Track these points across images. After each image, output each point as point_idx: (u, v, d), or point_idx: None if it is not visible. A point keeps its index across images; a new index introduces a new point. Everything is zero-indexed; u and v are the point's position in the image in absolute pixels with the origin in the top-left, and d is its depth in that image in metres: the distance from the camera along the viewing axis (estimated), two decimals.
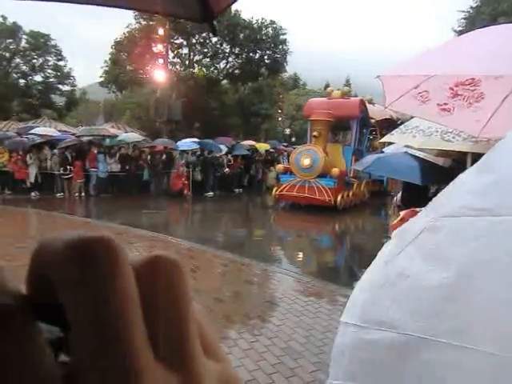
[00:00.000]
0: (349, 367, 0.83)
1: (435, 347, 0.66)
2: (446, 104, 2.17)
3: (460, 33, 25.49)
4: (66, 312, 0.14)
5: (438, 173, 3.34)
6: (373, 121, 15.57)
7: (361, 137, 14.65)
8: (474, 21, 24.25)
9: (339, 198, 11.86)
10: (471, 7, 25.71)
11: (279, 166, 14.20)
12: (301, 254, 7.96)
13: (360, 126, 13.98)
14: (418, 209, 1.76)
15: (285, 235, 9.56)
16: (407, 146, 3.73)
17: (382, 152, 17.53)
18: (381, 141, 4.46)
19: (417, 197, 3.07)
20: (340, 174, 12.09)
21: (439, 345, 0.66)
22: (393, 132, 4.22)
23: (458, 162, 3.52)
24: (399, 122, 16.14)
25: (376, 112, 16.13)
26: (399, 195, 3.31)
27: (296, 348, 3.55)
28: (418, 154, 3.67)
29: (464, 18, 26.24)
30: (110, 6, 1.08)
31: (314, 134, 12.47)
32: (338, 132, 15.79)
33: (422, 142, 3.34)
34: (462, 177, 0.77)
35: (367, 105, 19.00)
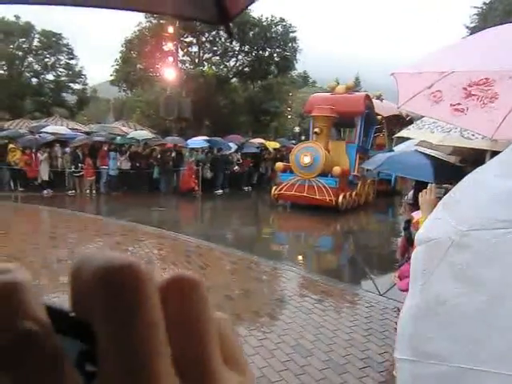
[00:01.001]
0: None
1: (478, 377, 0.64)
2: (459, 104, 2.12)
3: (472, 29, 25.16)
4: (97, 338, 0.14)
5: (451, 171, 3.31)
6: (379, 117, 14.96)
7: (366, 134, 14.05)
8: (486, 17, 23.91)
9: (341, 197, 11.29)
10: (484, 3, 25.35)
11: (278, 164, 13.30)
12: (309, 253, 7.94)
13: (365, 123, 13.28)
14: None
15: (293, 233, 9.54)
16: (424, 142, 3.64)
17: (391, 150, 17.40)
18: (397, 135, 4.31)
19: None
20: (342, 172, 11.49)
21: (481, 374, 0.63)
22: (409, 127, 4.09)
23: (466, 161, 3.46)
24: (408, 119, 15.98)
25: (384, 108, 15.78)
26: (410, 193, 3.27)
27: (306, 346, 3.55)
28: (428, 151, 3.62)
29: (476, 14, 25.89)
30: (126, 10, 1.08)
31: (315, 130, 11.90)
32: (342, 129, 15.11)
33: (441, 139, 3.22)
34: (480, 177, 0.73)
35: (375, 101, 18.61)
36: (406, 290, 2.07)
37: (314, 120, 12.20)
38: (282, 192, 11.89)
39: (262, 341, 3.60)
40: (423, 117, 3.67)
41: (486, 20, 23.77)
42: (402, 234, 2.82)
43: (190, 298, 0.16)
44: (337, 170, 11.27)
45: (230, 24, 0.98)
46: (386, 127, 16.45)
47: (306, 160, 11.52)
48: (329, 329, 3.93)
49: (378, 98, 16.50)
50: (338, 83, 14.92)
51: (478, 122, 2.22)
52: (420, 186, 2.73)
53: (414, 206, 2.69)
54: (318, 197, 11.19)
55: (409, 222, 2.64)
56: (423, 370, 0.74)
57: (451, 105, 2.14)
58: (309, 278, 5.54)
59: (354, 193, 12.30)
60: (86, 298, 0.14)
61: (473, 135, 2.97)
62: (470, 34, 24.98)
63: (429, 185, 2.29)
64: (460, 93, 2.10)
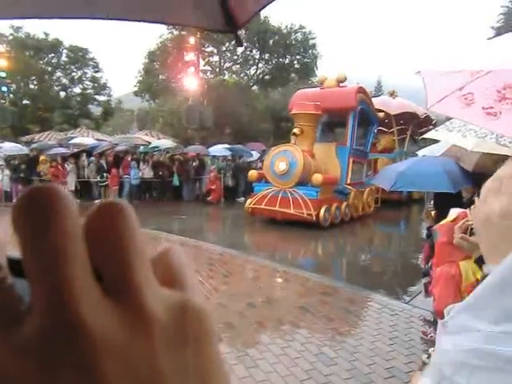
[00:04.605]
0: None
1: None
2: (491, 108, 2.01)
3: (498, 29, 24.55)
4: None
5: (466, 174, 3.19)
6: (381, 114, 13.04)
7: (364, 134, 12.21)
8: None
9: (323, 211, 9.41)
10: (510, 1, 24.72)
11: (251, 172, 11.15)
12: (331, 260, 7.86)
13: (361, 121, 11.32)
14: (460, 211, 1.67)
15: (313, 240, 9.45)
16: (454, 147, 3.37)
17: (402, 153, 16.39)
18: (424, 136, 4.03)
19: (450, 200, 2.95)
20: (325, 180, 9.62)
21: None
22: (437, 128, 3.79)
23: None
24: (423, 117, 15.32)
25: (392, 105, 14.64)
26: (430, 202, 3.19)
27: (329, 354, 3.51)
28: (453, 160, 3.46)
29: (503, 14, 25.27)
30: (136, 21, 1.13)
31: (294, 131, 9.98)
32: (335, 129, 12.86)
33: (476, 144, 2.96)
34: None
35: (382, 97, 16.76)
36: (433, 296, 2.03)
37: (294, 119, 10.38)
38: (253, 206, 10.16)
39: (285, 349, 3.58)
40: (450, 118, 3.44)
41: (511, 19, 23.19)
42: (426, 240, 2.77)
43: (114, 217, 0.17)
44: (317, 178, 9.46)
45: (239, 32, 1.00)
46: (395, 126, 15.20)
47: (282, 166, 9.69)
48: (352, 337, 3.88)
49: (392, 94, 15.65)
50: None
51: (511, 126, 2.12)
52: (441, 192, 2.67)
53: (437, 213, 2.64)
54: (292, 211, 9.37)
55: (430, 228, 2.59)
56: None
57: (483, 108, 2.04)
58: (331, 285, 5.49)
59: (344, 204, 10.40)
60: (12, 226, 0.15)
61: (510, 142, 2.78)
62: (496, 34, 24.42)
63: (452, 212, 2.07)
64: (493, 95, 2.00)
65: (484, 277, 0.90)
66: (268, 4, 0.96)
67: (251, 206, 10.18)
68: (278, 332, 3.96)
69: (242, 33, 1.08)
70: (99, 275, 0.16)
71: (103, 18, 1.11)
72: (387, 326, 4.14)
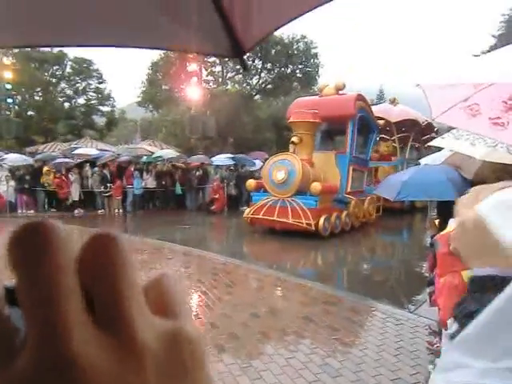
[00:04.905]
0: None
1: None
2: (498, 118, 1.98)
3: (499, 37, 24.64)
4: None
5: (467, 182, 3.18)
6: (382, 122, 12.93)
7: (363, 142, 12.11)
8: None
9: (322, 220, 9.27)
10: (510, 9, 24.87)
11: (250, 181, 11.01)
12: (334, 269, 7.82)
13: (360, 129, 11.26)
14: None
15: (315, 250, 9.41)
16: (457, 154, 3.32)
17: (403, 162, 16.36)
18: (430, 144, 3.97)
19: (454, 208, 2.93)
20: (324, 189, 9.51)
21: None
22: (444, 135, 3.68)
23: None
24: (425, 124, 15.26)
25: (393, 112, 14.57)
26: (433, 210, 3.18)
27: (334, 365, 3.48)
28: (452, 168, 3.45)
29: (503, 22, 25.41)
30: (142, 48, 1.15)
31: (293, 139, 9.98)
32: (335, 137, 12.77)
33: (486, 154, 2.86)
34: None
35: (383, 105, 16.60)
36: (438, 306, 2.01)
37: (293, 127, 10.36)
38: (251, 216, 10.06)
39: (289, 360, 3.55)
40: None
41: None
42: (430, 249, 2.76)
43: (106, 249, 0.17)
44: (316, 186, 9.35)
45: (244, 57, 1.01)
46: (396, 134, 15.15)
47: (280, 176, 9.59)
48: (357, 347, 3.85)
49: (392, 102, 15.65)
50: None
51: None
52: (444, 201, 2.66)
53: (441, 222, 2.63)
54: (291, 221, 9.26)
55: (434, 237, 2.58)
56: None
57: (490, 118, 2.01)
58: (335, 294, 5.45)
59: (344, 213, 10.28)
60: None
61: None
62: (497, 42, 24.54)
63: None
64: (499, 106, 1.97)
65: (471, 279, 0.91)
66: (273, 31, 0.98)
67: (250, 215, 10.10)
68: (282, 343, 3.93)
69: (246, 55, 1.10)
70: (92, 306, 0.16)
71: (112, 46, 1.13)
72: (392, 335, 4.10)
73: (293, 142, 9.98)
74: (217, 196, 14.53)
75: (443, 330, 1.95)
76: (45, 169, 13.79)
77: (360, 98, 11.08)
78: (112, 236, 0.18)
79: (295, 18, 0.96)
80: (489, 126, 1.98)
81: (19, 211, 13.53)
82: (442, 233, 1.97)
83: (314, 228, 9.11)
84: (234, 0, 0.90)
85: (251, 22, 0.96)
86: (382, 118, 13.30)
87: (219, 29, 0.95)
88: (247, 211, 10.40)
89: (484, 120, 2.00)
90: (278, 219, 9.40)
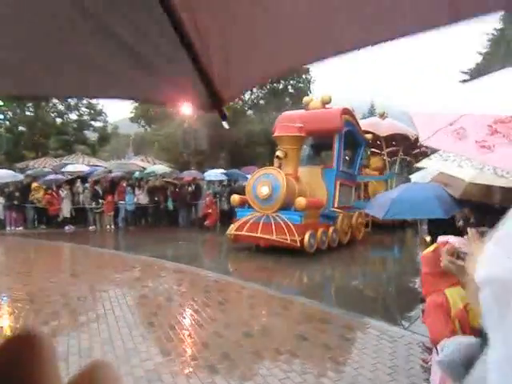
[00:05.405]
0: None
1: None
2: (484, 141, 2.00)
3: (486, 55, 25.31)
4: None
5: (455, 200, 3.20)
6: (369, 136, 12.90)
7: (351, 156, 12.08)
8: (499, 42, 24.11)
9: (307, 236, 9.05)
10: (495, 29, 25.62)
11: (233, 196, 10.65)
12: (328, 285, 7.78)
13: (348, 143, 11.12)
14: (451, 239, 1.67)
15: (309, 264, 9.38)
16: (442, 175, 3.37)
17: (392, 175, 16.49)
18: (418, 165, 3.99)
19: (444, 226, 2.95)
20: (309, 204, 9.27)
21: None
22: (431, 156, 3.75)
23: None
24: (414, 138, 15.32)
25: (382, 126, 14.50)
26: (424, 227, 3.20)
27: None
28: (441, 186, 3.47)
29: (489, 41, 26.17)
30: (122, 99, 1.17)
31: (278, 154, 9.77)
32: (321, 152, 12.76)
33: (474, 177, 2.89)
34: None
35: (372, 119, 16.56)
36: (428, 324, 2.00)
37: (278, 142, 10.12)
38: (234, 232, 9.73)
39: (283, 380, 3.49)
40: None
41: (498, 45, 23.96)
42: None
43: (22, 352, 0.16)
44: (300, 201, 9.12)
45: (223, 108, 1.03)
46: (386, 148, 15.16)
47: (264, 191, 9.36)
48: (351, 366, 3.80)
49: (382, 116, 15.66)
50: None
51: (507, 158, 2.08)
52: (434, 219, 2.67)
53: (432, 239, 2.63)
54: (275, 237, 8.97)
55: None
56: None
57: (476, 141, 2.03)
58: (328, 311, 5.41)
59: (331, 229, 10.06)
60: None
61: (507, 173, 2.70)
62: (483, 60, 25.17)
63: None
64: (484, 129, 1.99)
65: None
66: (253, 87, 1.00)
67: (233, 232, 9.78)
68: (276, 362, 3.86)
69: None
70: None
71: (91, 97, 1.15)
72: (386, 353, 4.06)
73: (277, 157, 9.81)
74: (210, 211, 14.48)
75: (433, 351, 1.94)
76: (34, 185, 13.66)
77: (346, 111, 10.97)
78: (30, 337, 0.17)
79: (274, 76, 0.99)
80: (476, 149, 2.02)
81: (8, 228, 13.34)
82: (423, 252, 1.98)
83: (298, 244, 8.89)
84: (212, 56, 0.91)
85: (229, 78, 0.98)
86: (370, 132, 13.30)
87: (196, 83, 0.96)
88: (230, 228, 10.08)
89: (471, 143, 2.04)
90: (262, 235, 9.11)
